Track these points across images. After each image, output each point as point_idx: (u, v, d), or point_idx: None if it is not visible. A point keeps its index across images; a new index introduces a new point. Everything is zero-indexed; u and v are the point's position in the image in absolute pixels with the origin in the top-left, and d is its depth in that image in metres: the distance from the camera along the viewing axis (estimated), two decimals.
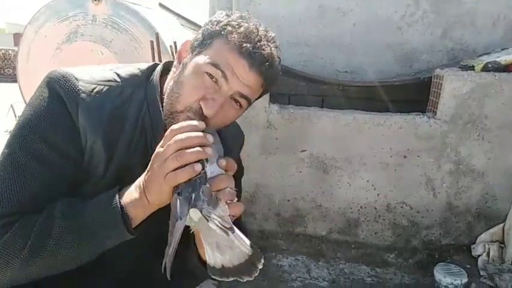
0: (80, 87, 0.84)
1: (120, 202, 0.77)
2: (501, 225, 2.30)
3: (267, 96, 2.23)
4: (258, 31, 0.83)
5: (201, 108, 0.82)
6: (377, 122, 2.24)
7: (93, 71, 0.89)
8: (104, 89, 0.87)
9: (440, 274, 2.15)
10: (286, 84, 2.62)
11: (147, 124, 0.88)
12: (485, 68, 2.16)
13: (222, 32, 0.82)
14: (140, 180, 0.78)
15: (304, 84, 2.65)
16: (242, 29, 0.82)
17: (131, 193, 0.79)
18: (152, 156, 0.76)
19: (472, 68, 2.21)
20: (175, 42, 3.97)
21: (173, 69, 0.91)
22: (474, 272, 2.23)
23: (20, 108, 6.00)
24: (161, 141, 0.75)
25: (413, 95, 2.48)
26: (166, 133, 0.75)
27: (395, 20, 2.62)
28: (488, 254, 2.27)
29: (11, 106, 6.73)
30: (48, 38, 4.86)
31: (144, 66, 0.96)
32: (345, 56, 2.67)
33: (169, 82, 0.90)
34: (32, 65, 4.99)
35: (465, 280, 2.10)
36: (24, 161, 0.79)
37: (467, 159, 2.26)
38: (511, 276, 2.13)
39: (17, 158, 0.79)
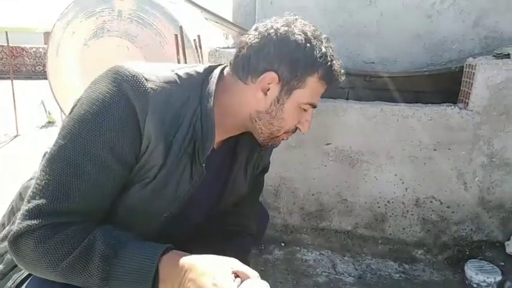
0: (149, 89, 0.81)
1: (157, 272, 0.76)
2: None
3: None
4: (332, 52, 0.98)
5: (296, 128, 1.03)
6: (406, 114, 2.16)
7: (157, 70, 0.87)
8: (169, 91, 0.84)
9: (471, 271, 2.07)
10: None
11: (198, 131, 0.87)
12: None
13: (318, 71, 0.94)
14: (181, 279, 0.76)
15: None
16: (336, 67, 0.96)
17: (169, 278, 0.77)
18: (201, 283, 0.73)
19: (508, 56, 2.10)
20: (198, 36, 3.97)
21: (249, 92, 0.95)
22: (509, 269, 2.13)
23: (51, 104, 6.17)
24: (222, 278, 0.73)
25: (443, 85, 2.38)
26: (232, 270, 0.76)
27: (424, 7, 2.52)
28: None
29: (42, 102, 6.94)
30: (76, 34, 4.92)
31: (200, 68, 0.94)
32: (372, 47, 2.59)
33: (228, 92, 0.95)
34: (60, 61, 5.07)
35: (499, 278, 2.01)
36: (80, 161, 0.77)
37: (500, 152, 2.15)
38: None
39: (72, 156, 0.78)
